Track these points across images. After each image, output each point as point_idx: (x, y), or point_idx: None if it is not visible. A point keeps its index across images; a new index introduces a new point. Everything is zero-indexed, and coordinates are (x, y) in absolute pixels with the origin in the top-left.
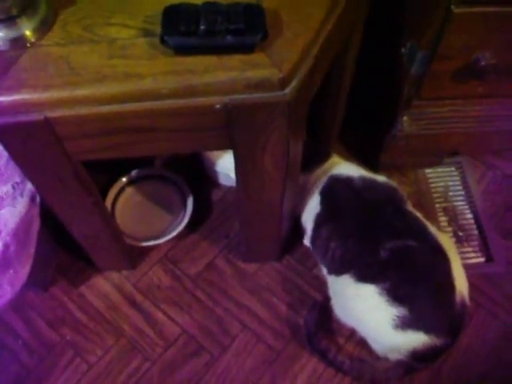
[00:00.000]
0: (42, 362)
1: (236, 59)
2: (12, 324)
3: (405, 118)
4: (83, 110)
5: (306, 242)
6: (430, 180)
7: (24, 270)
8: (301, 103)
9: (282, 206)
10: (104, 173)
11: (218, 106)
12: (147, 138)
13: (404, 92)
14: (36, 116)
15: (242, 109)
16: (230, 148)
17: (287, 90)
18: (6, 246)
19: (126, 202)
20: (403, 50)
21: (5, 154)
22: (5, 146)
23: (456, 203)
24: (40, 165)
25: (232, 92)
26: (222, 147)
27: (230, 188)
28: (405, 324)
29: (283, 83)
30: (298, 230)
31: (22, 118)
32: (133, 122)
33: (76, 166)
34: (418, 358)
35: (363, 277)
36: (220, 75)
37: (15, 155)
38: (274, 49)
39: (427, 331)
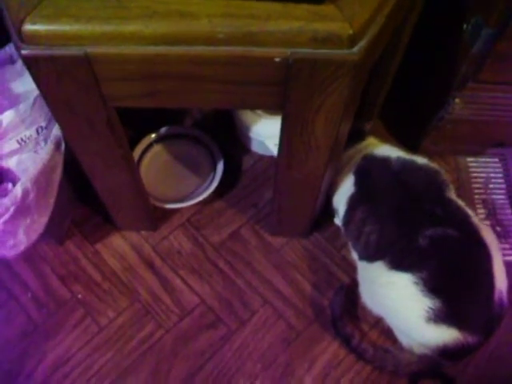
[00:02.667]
0: (50, 317)
1: (303, 8)
2: (23, 275)
3: (457, 100)
4: (127, 49)
5: (337, 221)
6: (471, 169)
7: (42, 220)
8: (365, 66)
9: (323, 179)
10: (132, 127)
11: (277, 59)
12: (193, 88)
13: (460, 72)
14: (75, 51)
15: (303, 64)
16: (280, 108)
17: (355, 49)
18: (26, 193)
19: (153, 160)
20: (466, 26)
21: (31, 95)
22: (36, 81)
23: (496, 196)
24: (72, 106)
25: (295, 44)
26: (273, 106)
27: (262, 156)
28: (438, 317)
29: (352, 40)
30: (329, 207)
31: (59, 51)
32: (180, 68)
33: (110, 113)
34: (446, 355)
35: (398, 264)
36: (283, 24)
37: (46, 93)
38: (346, 2)
39: (461, 327)
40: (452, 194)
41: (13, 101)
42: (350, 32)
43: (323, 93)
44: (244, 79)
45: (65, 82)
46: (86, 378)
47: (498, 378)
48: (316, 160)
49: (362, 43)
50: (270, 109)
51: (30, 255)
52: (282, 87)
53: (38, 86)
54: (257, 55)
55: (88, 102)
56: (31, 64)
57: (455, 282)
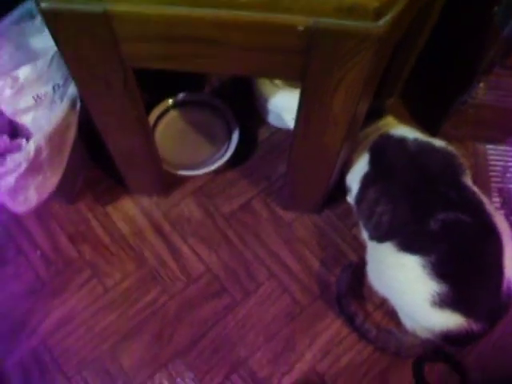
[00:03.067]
0: (57, 276)
1: None
2: (33, 233)
3: (481, 84)
4: (148, 9)
5: (350, 199)
6: (490, 157)
7: (54, 179)
8: (390, 41)
9: (339, 154)
10: (150, 91)
11: (300, 28)
12: (213, 53)
13: (488, 56)
14: (95, 7)
15: (326, 34)
16: (300, 80)
17: (381, 22)
18: (39, 150)
19: (168, 126)
20: (496, 8)
21: (49, 52)
22: (55, 37)
23: None
24: (89, 65)
25: (319, 13)
26: (292, 76)
27: (278, 129)
28: (444, 302)
29: (378, 13)
30: (342, 184)
31: (79, 6)
32: (201, 31)
33: (127, 73)
34: (449, 341)
35: (408, 246)
36: None
37: (64, 49)
38: None
39: (466, 314)
40: (468, 180)
41: (31, 57)
42: (376, 4)
43: (344, 66)
44: (265, 46)
45: (83, 39)
46: (88, 337)
47: (500, 367)
48: (332, 135)
49: (388, 17)
50: (290, 79)
51: (41, 213)
52: (303, 58)
53: (56, 42)
54: (280, 22)
55: (106, 61)
56: (50, 19)
57: (464, 267)
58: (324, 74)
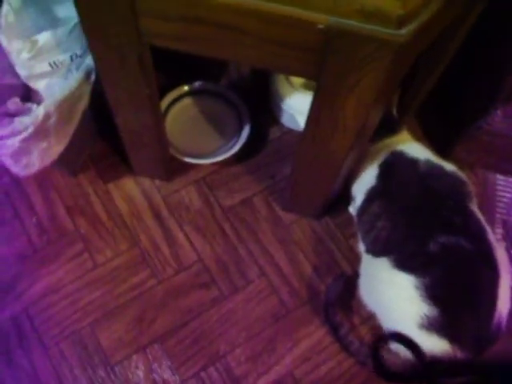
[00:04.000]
0: (49, 245)
1: None
2: (32, 199)
3: (499, 111)
4: None
5: (352, 210)
6: (499, 187)
7: (58, 147)
8: (409, 52)
9: (344, 161)
10: (167, 76)
11: (321, 26)
12: (230, 39)
13: (508, 83)
14: None
15: (345, 36)
16: (315, 79)
17: (403, 31)
18: (47, 116)
19: (181, 112)
20: None
21: (71, 21)
22: (77, 5)
23: None
24: (108, 37)
25: (340, 14)
26: (307, 75)
27: (290, 130)
28: (432, 326)
29: (402, 21)
30: (346, 194)
31: None
32: (221, 16)
33: (144, 49)
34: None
35: (403, 265)
36: None
37: (85, 19)
38: None
39: (453, 341)
40: (474, 207)
41: (53, 24)
42: (401, 12)
43: (361, 71)
44: (282, 40)
45: (104, 10)
46: (72, 310)
47: None
48: (341, 140)
49: (411, 26)
50: (304, 77)
51: (42, 181)
52: (320, 57)
53: (78, 10)
54: (301, 17)
55: (124, 35)
56: None
57: (457, 294)
58: (339, 76)
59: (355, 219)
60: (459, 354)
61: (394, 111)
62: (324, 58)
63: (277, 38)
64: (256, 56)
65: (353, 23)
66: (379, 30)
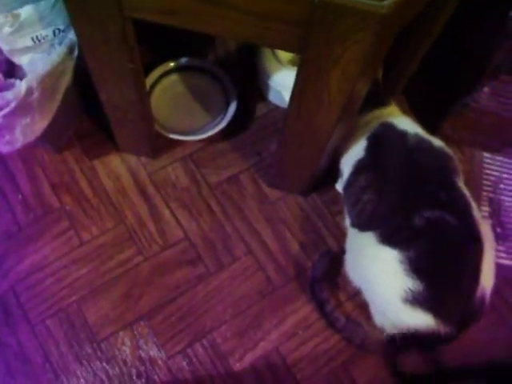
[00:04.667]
0: (35, 222)
1: None
2: (17, 177)
3: (485, 89)
4: None
5: (339, 187)
6: (485, 165)
7: (41, 123)
8: (393, 24)
9: (330, 136)
10: (152, 51)
11: None
12: (212, 13)
13: (495, 61)
14: None
15: (329, 7)
16: (299, 52)
17: (386, 2)
18: (30, 91)
19: (167, 88)
20: None
21: None
22: None
23: (504, 198)
24: (89, 11)
25: None
26: (291, 48)
27: (276, 107)
28: (415, 300)
29: None
30: (333, 171)
31: None
32: None
33: (126, 24)
34: (416, 341)
35: (388, 239)
36: None
37: None
38: None
39: (436, 315)
40: (460, 183)
41: None
42: None
43: (344, 43)
44: (266, 13)
45: None
46: (58, 287)
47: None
48: (326, 115)
49: None
50: (289, 50)
51: (27, 158)
52: (304, 29)
53: None
54: None
55: (105, 8)
56: None
57: (441, 268)
58: (323, 49)
59: (342, 193)
60: (443, 329)
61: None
62: (308, 31)
63: (261, 10)
64: (240, 30)
65: None
66: (362, 2)
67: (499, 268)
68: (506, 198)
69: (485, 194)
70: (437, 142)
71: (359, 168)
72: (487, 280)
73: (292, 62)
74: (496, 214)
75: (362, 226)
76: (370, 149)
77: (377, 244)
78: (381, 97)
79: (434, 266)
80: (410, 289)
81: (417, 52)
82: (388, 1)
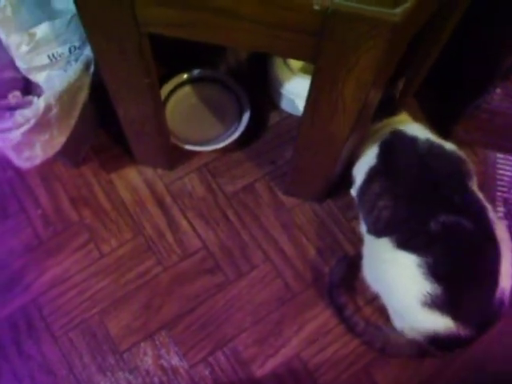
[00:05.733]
0: (55, 236)
1: None
2: (36, 191)
3: (498, 90)
4: None
5: (353, 192)
6: (499, 166)
7: (60, 138)
8: (405, 32)
9: (345, 144)
10: (166, 65)
11: (316, 7)
12: (226, 24)
13: (506, 62)
14: None
15: (342, 16)
16: (312, 61)
17: (398, 10)
18: (48, 108)
19: (181, 100)
20: None
21: (69, 13)
22: None
23: None
24: (105, 27)
25: None
26: (304, 57)
27: (289, 115)
28: (434, 304)
29: (397, 0)
30: (347, 177)
31: None
32: (216, 1)
33: (142, 39)
34: (436, 344)
35: (405, 244)
36: None
37: (81, 9)
38: None
39: (455, 318)
40: (474, 186)
41: (50, 16)
42: None
43: (357, 51)
44: (278, 23)
45: (101, 1)
46: (79, 299)
47: (484, 377)
48: (340, 123)
49: (406, 5)
50: (302, 59)
51: (45, 174)
52: (317, 38)
53: (75, 1)
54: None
55: (121, 25)
56: None
57: (459, 272)
58: (336, 58)
59: (356, 200)
60: (462, 332)
61: (397, 95)
62: (321, 40)
63: (273, 21)
64: (253, 40)
65: (348, 3)
66: (374, 10)
67: None
68: None
69: (499, 194)
70: (449, 145)
71: (372, 175)
72: (506, 281)
73: (303, 70)
74: (511, 214)
75: (378, 232)
76: (382, 156)
77: (393, 249)
78: (392, 104)
79: (451, 270)
80: (428, 292)
81: (426, 58)
82: (400, 8)
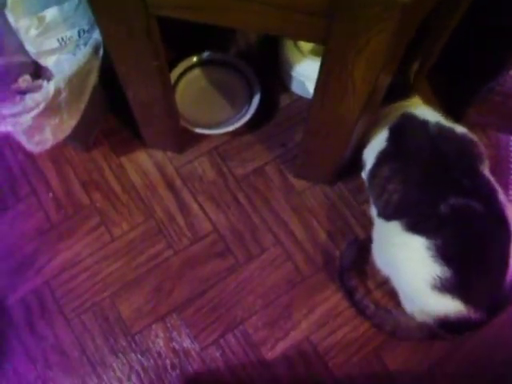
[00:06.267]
0: (67, 220)
1: None
2: (47, 175)
3: (511, 72)
4: None
5: (364, 175)
6: None
7: (70, 122)
8: (415, 13)
9: (355, 126)
10: (176, 48)
11: None
12: (236, 6)
13: None
14: None
15: None
16: (323, 43)
17: None
18: (58, 92)
19: (191, 83)
20: None
21: None
22: None
23: None
24: (113, 10)
25: None
26: (314, 39)
27: (300, 98)
28: (444, 287)
29: None
30: (358, 159)
31: None
32: None
33: (151, 21)
34: (446, 327)
35: (415, 227)
36: None
37: None
38: None
39: (466, 301)
40: (485, 169)
41: None
42: None
43: (368, 33)
44: (289, 4)
45: None
46: (91, 282)
47: (494, 360)
48: (350, 105)
49: None
50: (312, 41)
51: (56, 157)
52: (327, 20)
53: None
54: None
55: (129, 7)
56: None
57: (469, 254)
58: (346, 39)
59: (366, 184)
60: (473, 315)
61: (411, 77)
62: (331, 22)
63: (283, 2)
64: (263, 22)
65: None
66: None
67: None
68: None
69: None
70: (460, 128)
71: (382, 159)
72: None
73: (314, 52)
74: None
75: (388, 215)
76: (392, 139)
77: (403, 232)
78: (404, 88)
79: (461, 252)
80: (438, 275)
81: (436, 42)
82: None
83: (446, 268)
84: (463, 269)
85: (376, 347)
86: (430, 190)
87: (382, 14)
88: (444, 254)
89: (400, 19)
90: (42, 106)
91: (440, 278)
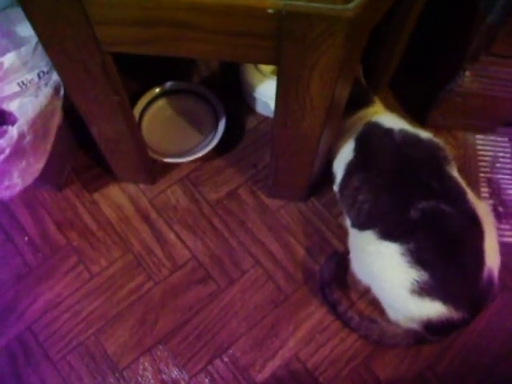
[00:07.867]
0: (44, 262)
1: None
2: (21, 220)
3: (467, 72)
4: None
5: (335, 188)
6: (479, 147)
7: (38, 165)
8: (362, 25)
9: (319, 141)
10: (138, 80)
11: (270, 11)
12: (186, 37)
13: (472, 44)
14: None
15: (296, 17)
16: (275, 63)
17: (351, 5)
18: (22, 136)
19: (156, 114)
20: None
21: (34, 39)
22: (31, 21)
23: (502, 176)
24: (67, 50)
25: None
26: (267, 61)
27: (266, 118)
28: (423, 290)
29: None
30: (329, 173)
31: None
32: (172, 15)
33: (105, 58)
34: (431, 330)
35: (388, 234)
36: None
37: (41, 34)
38: None
39: (446, 302)
40: (453, 171)
41: (16, 44)
42: None
43: (317, 50)
44: (236, 31)
45: (58, 24)
46: (74, 322)
47: (483, 358)
48: (311, 120)
49: (358, 0)
50: (265, 63)
51: (28, 200)
52: (275, 41)
53: (33, 26)
54: (248, 5)
55: (82, 46)
56: (25, 2)
57: (443, 256)
58: (298, 58)
59: (338, 196)
60: (455, 315)
61: (363, 81)
62: (280, 42)
63: (230, 29)
64: (214, 50)
65: (302, 4)
66: (328, 7)
67: (505, 246)
68: (504, 176)
69: (482, 175)
70: (424, 133)
71: (350, 170)
72: (492, 260)
73: (275, 73)
74: (496, 194)
75: (361, 225)
76: (359, 149)
77: (377, 240)
78: (364, 96)
79: (435, 255)
80: (415, 280)
81: (396, 44)
82: (352, 3)
83: (422, 272)
84: (439, 270)
85: (365, 358)
86: (399, 196)
87: (328, 30)
88: (419, 258)
89: (347, 33)
90: (7, 151)
91: (417, 282)
